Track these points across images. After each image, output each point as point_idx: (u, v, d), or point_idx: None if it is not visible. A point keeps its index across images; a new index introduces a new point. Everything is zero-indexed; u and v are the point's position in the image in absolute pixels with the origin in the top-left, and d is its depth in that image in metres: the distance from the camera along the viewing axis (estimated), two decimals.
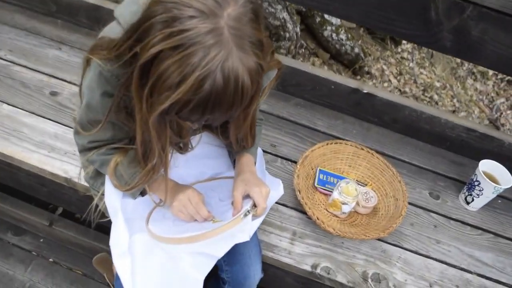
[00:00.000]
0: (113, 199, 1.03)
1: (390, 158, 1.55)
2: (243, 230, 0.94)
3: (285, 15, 3.14)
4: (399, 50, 3.74)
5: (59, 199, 1.46)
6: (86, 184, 1.18)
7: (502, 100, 3.99)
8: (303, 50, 3.35)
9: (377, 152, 1.52)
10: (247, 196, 0.99)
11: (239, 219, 0.93)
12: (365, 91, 1.60)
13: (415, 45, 3.77)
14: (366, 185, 1.41)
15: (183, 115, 0.73)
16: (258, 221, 0.98)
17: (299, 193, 1.24)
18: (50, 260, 1.64)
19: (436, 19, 1.33)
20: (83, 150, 1.03)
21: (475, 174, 1.38)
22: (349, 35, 3.38)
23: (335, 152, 1.43)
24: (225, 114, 0.74)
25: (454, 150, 1.62)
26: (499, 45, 1.32)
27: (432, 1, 1.31)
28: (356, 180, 1.41)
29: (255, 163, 1.14)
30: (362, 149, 1.43)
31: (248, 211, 0.95)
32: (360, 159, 1.43)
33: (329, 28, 3.31)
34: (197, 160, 1.13)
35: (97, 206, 1.15)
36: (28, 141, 1.34)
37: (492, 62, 1.37)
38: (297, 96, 1.69)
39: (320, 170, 1.39)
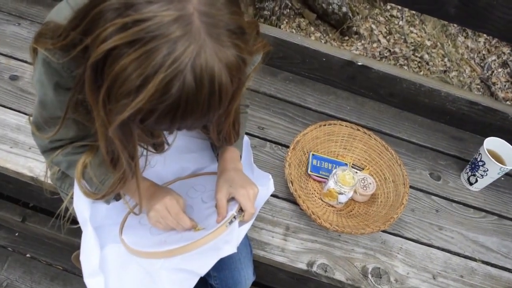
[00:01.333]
0: (81, 206, 0.91)
1: (387, 137, 1.44)
2: (228, 241, 0.83)
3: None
4: (388, 7, 3.55)
5: (28, 196, 1.33)
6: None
7: (493, 57, 3.88)
8: (287, 10, 3.16)
9: (374, 130, 1.42)
10: (232, 199, 0.88)
11: (224, 228, 0.82)
12: (359, 63, 1.46)
13: None
14: (363, 169, 1.30)
15: (149, 125, 0.59)
16: (246, 227, 0.87)
17: (292, 184, 1.13)
18: (27, 255, 1.54)
19: None
20: (46, 151, 0.90)
21: (479, 154, 1.28)
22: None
23: (328, 134, 1.31)
24: (200, 120, 0.60)
25: (454, 124, 1.52)
26: (509, 11, 1.19)
27: None
28: (353, 164, 1.31)
29: (240, 157, 1.02)
30: (358, 129, 1.31)
31: (234, 217, 0.84)
32: (356, 141, 1.32)
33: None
34: (177, 154, 1.01)
35: (67, 209, 1.03)
36: None
37: (499, 30, 1.24)
38: (285, 69, 1.55)
39: (313, 155, 1.27)
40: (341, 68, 1.49)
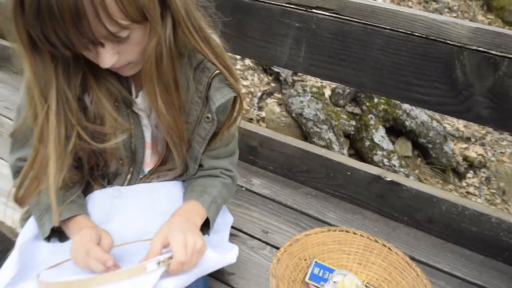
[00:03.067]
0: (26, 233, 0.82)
1: (422, 265, 1.16)
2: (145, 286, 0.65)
3: (331, 135, 3.01)
4: (464, 184, 3.33)
5: None
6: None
7: None
8: None
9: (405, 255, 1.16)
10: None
11: (141, 269, 0.65)
12: (388, 179, 1.29)
13: (482, 178, 3.36)
14: None
15: (37, 34, 0.61)
16: (172, 282, 0.68)
17: (274, 281, 0.91)
18: None
19: (464, 80, 1.10)
20: (14, 172, 0.86)
21: None
22: (403, 162, 3.11)
23: (339, 243, 1.09)
24: (77, 29, 0.61)
25: None
26: None
27: (457, 57, 1.09)
28: (367, 284, 1.04)
29: (209, 225, 0.87)
30: (376, 241, 1.08)
31: (160, 262, 0.67)
32: (373, 255, 1.07)
33: (379, 153, 3.10)
34: (141, 211, 0.89)
35: None
36: None
37: None
38: (308, 185, 1.42)
39: (316, 263, 1.05)
40: (368, 184, 1.33)
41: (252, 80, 3.52)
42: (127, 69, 0.76)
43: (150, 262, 0.67)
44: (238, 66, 3.64)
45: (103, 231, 0.78)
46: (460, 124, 3.59)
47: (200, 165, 0.95)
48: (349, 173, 1.35)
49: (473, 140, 3.53)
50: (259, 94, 3.33)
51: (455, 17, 4.85)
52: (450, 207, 1.24)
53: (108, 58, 0.68)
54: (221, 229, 0.96)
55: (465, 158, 3.35)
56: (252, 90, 3.45)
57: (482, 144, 3.51)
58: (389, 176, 1.30)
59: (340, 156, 1.40)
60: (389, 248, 1.06)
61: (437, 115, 3.25)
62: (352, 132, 3.11)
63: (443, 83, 1.12)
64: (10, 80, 1.84)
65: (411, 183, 1.29)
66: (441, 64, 1.11)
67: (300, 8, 1.25)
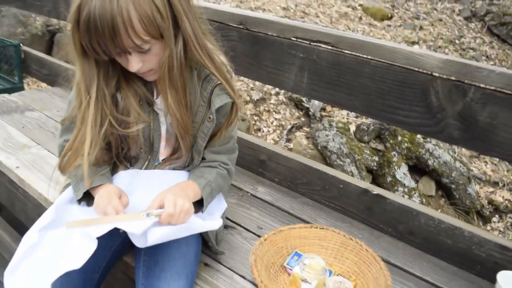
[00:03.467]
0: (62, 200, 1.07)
1: (396, 269, 1.29)
2: (139, 228, 0.87)
3: (353, 169, 3.15)
4: (488, 228, 3.33)
5: None
6: None
7: None
8: None
9: (383, 260, 1.30)
10: None
11: (139, 215, 0.88)
12: (374, 192, 1.45)
13: (508, 223, 3.34)
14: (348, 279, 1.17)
15: (86, 44, 0.88)
16: (161, 230, 0.89)
17: (255, 263, 1.09)
18: None
19: (438, 104, 1.27)
20: (60, 151, 1.13)
21: None
22: (424, 200, 3.18)
23: (319, 239, 1.26)
24: (113, 41, 0.87)
25: (487, 277, 1.29)
26: None
27: (431, 85, 1.26)
28: (338, 274, 1.19)
29: (202, 208, 1.09)
30: (351, 239, 1.24)
31: (152, 213, 0.89)
32: (347, 251, 1.23)
33: (400, 189, 3.19)
34: (155, 189, 1.12)
35: None
36: None
37: (509, 152, 1.19)
38: (307, 196, 1.60)
39: (296, 252, 1.21)
40: (358, 197, 1.49)
41: (284, 114, 3.76)
42: (149, 75, 1.02)
43: (146, 212, 0.89)
44: (272, 101, 3.90)
45: (123, 192, 1.02)
46: (488, 168, 3.62)
47: (203, 158, 1.17)
48: (342, 186, 1.52)
49: (500, 185, 3.53)
50: (289, 127, 3.55)
51: (492, 65, 4.92)
52: (428, 220, 1.37)
53: (134, 64, 0.94)
54: (215, 212, 1.16)
55: (491, 202, 3.36)
56: (283, 123, 3.68)
57: (510, 190, 3.50)
58: (376, 190, 1.46)
59: (334, 170, 1.58)
60: (361, 245, 1.22)
61: (458, 155, 3.32)
62: (374, 167, 3.24)
63: (420, 106, 1.30)
64: (67, 96, 2.17)
65: (394, 197, 1.44)
66: (419, 90, 1.29)
67: (304, 41, 1.48)
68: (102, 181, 1.06)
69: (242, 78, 3.68)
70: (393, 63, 1.31)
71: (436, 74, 1.25)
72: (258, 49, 1.60)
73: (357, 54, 1.38)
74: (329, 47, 1.43)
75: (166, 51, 0.95)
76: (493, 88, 1.18)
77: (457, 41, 5.14)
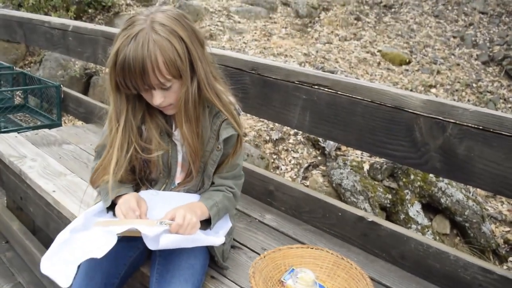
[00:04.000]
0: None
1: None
2: (152, 231, 1.06)
3: (366, 206, 3.26)
4: (505, 267, 3.32)
5: None
6: None
7: None
8: None
9: (374, 280, 1.43)
10: None
11: (154, 222, 1.07)
12: (369, 219, 1.59)
13: None
14: None
15: (120, 81, 1.11)
16: (170, 238, 1.08)
17: (253, 275, 1.24)
18: None
19: (421, 139, 1.42)
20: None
21: None
22: (437, 238, 3.23)
23: (314, 258, 1.40)
24: (142, 79, 1.09)
25: None
26: (488, 163, 1.30)
27: (415, 122, 1.42)
28: None
29: (209, 224, 1.26)
30: (343, 259, 1.38)
31: (165, 222, 1.08)
32: (339, 269, 1.37)
33: (414, 226, 3.26)
34: (170, 207, 1.30)
35: None
36: None
37: (485, 182, 1.32)
38: (310, 223, 1.75)
39: (293, 269, 1.36)
40: (354, 224, 1.63)
41: (302, 153, 3.94)
42: (169, 109, 1.24)
43: (160, 220, 1.07)
44: (291, 140, 4.10)
45: (142, 199, 1.21)
46: (504, 208, 3.64)
47: (212, 183, 1.36)
48: (340, 214, 1.66)
49: None
50: (306, 165, 3.71)
51: (510, 107, 4.99)
52: (417, 245, 1.49)
53: (157, 98, 1.17)
54: (219, 230, 1.33)
55: (507, 241, 3.37)
56: (300, 161, 3.85)
57: None
58: (370, 217, 1.60)
59: (333, 199, 1.73)
60: (351, 264, 1.35)
61: (473, 195, 3.38)
62: (388, 205, 3.33)
63: (406, 141, 1.46)
64: (100, 132, 2.44)
65: (387, 223, 1.57)
66: (404, 127, 1.45)
67: (306, 85, 1.68)
68: (127, 191, 1.26)
69: (262, 119, 3.91)
70: (382, 103, 1.49)
71: (419, 113, 1.42)
72: (268, 91, 1.81)
73: (351, 95, 1.56)
74: (327, 90, 1.62)
75: (183, 88, 1.17)
76: (467, 124, 1.33)
77: (474, 85, 5.26)
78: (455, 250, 1.46)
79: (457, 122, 1.35)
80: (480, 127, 1.31)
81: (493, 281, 1.36)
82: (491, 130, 1.29)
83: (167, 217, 1.13)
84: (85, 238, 1.11)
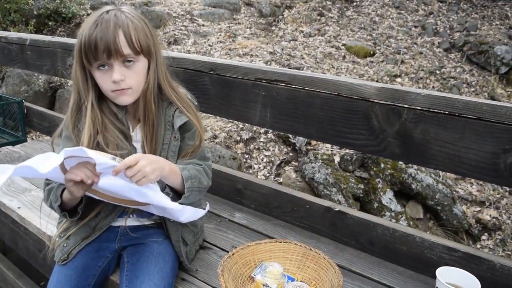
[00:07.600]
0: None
1: (354, 274, 1.44)
2: (102, 163, 1.06)
3: (340, 197, 3.30)
4: (478, 246, 3.42)
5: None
6: None
7: None
8: None
9: (344, 268, 1.45)
10: None
11: (105, 155, 1.06)
12: (336, 209, 1.61)
13: (498, 238, 3.42)
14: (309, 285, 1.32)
15: (85, 55, 1.15)
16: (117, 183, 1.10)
17: (222, 273, 1.24)
18: None
19: (379, 126, 1.45)
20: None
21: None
22: (411, 223, 3.30)
23: (283, 251, 1.41)
24: (109, 48, 1.13)
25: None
26: (443, 144, 1.33)
27: (372, 110, 1.45)
28: (301, 281, 1.34)
29: (180, 193, 1.23)
30: (311, 249, 1.39)
31: (116, 159, 1.07)
32: (308, 260, 1.38)
33: (388, 214, 3.32)
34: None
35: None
36: None
37: (443, 163, 1.36)
38: (280, 218, 1.76)
39: (263, 264, 1.37)
40: (322, 215, 1.65)
41: (273, 150, 3.95)
42: (127, 94, 1.22)
43: (111, 156, 1.06)
44: (261, 139, 4.11)
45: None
46: (473, 188, 3.75)
47: None
48: (308, 206, 1.68)
49: (487, 204, 3.65)
50: (278, 162, 3.73)
51: (473, 91, 5.14)
52: (384, 230, 1.52)
53: (118, 74, 1.17)
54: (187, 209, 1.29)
55: (478, 221, 3.47)
56: (272, 159, 3.87)
57: (497, 208, 3.61)
58: (337, 207, 1.62)
59: (300, 193, 1.75)
60: (319, 254, 1.37)
61: (443, 179, 3.46)
62: (361, 195, 3.38)
63: (365, 129, 1.48)
64: None
65: (354, 212, 1.60)
66: (362, 115, 1.48)
67: (264, 81, 1.69)
68: None
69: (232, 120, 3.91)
70: (338, 94, 1.51)
71: (375, 100, 1.45)
72: (227, 91, 1.82)
73: (308, 88, 1.58)
74: (285, 85, 1.64)
75: (143, 70, 1.23)
76: (421, 108, 1.37)
77: (437, 72, 5.39)
78: (420, 232, 1.50)
79: (411, 107, 1.38)
80: (433, 110, 1.35)
81: (458, 258, 1.40)
82: (444, 112, 1.33)
83: (124, 160, 1.07)
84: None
